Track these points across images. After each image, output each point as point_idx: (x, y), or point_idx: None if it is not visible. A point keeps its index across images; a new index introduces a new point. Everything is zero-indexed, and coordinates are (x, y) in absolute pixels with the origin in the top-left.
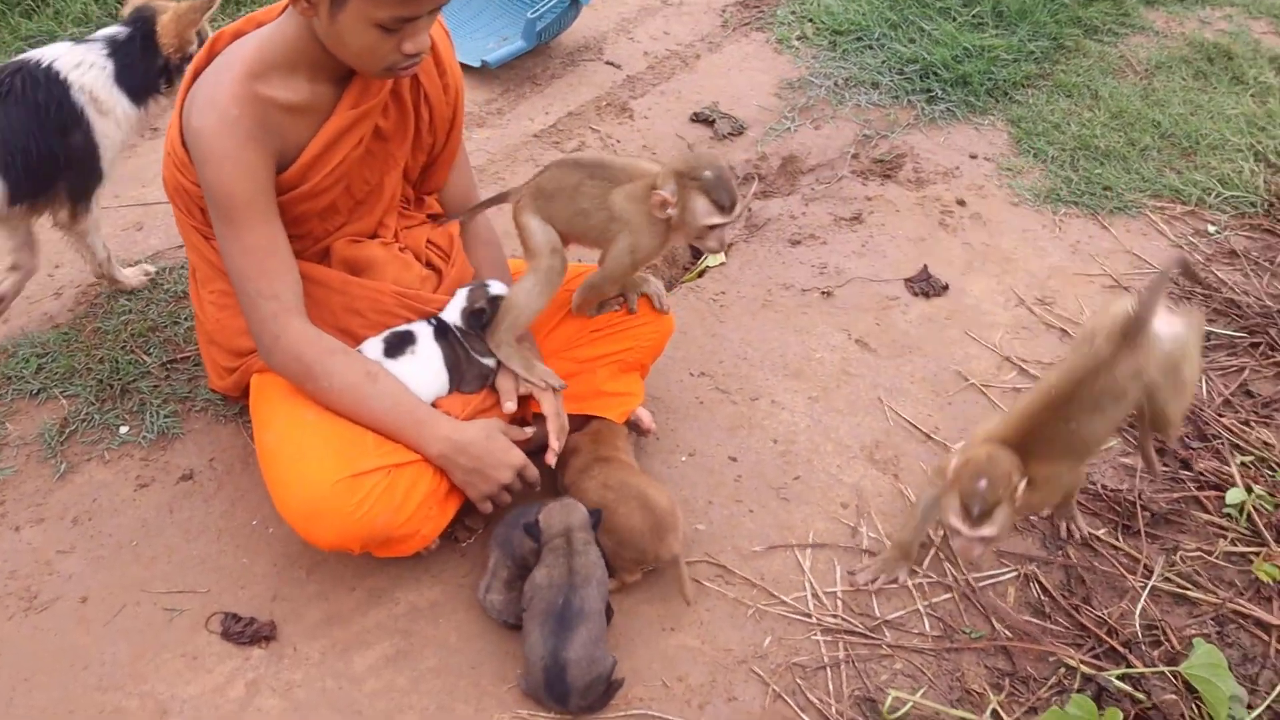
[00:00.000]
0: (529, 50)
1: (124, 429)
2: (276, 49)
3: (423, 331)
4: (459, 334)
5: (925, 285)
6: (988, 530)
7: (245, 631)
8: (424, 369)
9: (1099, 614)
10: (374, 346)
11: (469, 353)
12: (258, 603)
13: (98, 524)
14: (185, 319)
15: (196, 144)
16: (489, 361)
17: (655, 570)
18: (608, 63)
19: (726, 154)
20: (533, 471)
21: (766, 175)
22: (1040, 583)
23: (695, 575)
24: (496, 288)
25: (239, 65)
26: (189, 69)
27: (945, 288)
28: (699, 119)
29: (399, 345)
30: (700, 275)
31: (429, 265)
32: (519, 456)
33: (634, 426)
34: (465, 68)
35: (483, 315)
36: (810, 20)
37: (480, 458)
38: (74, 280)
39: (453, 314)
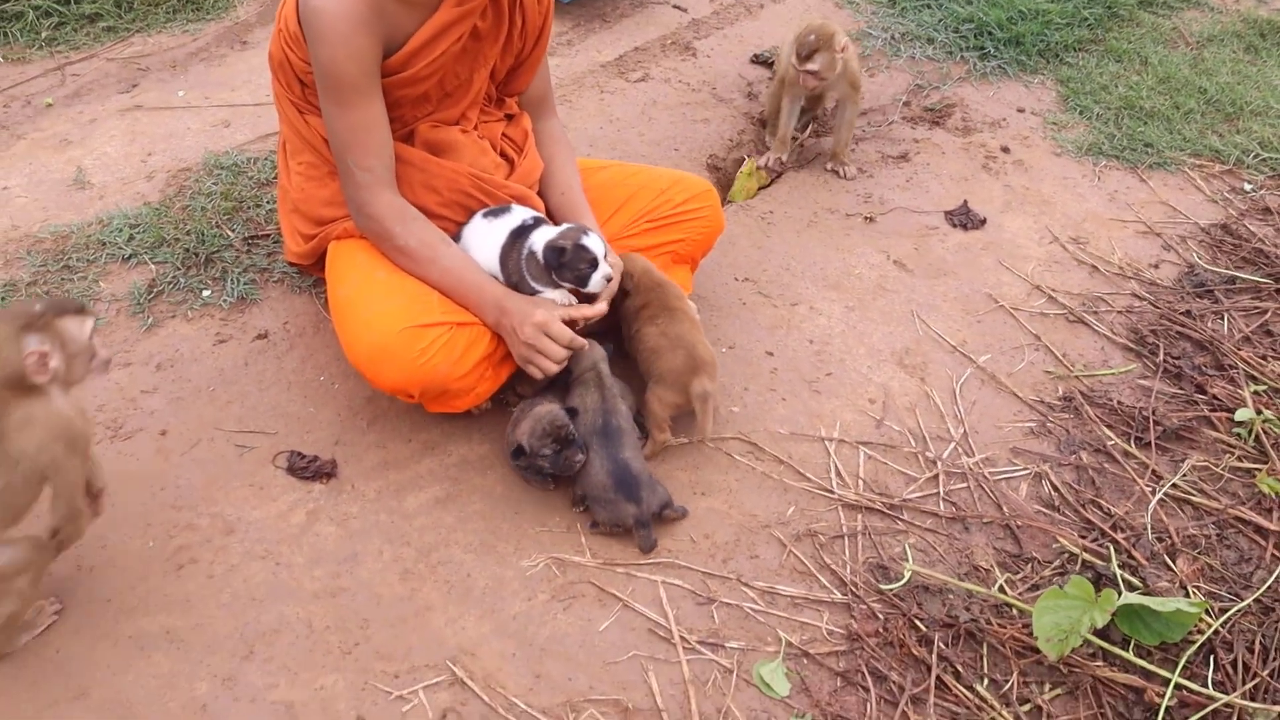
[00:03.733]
0: None
1: (206, 292)
2: None
3: (513, 219)
4: (529, 250)
5: (964, 218)
6: (812, 66)
7: (309, 467)
8: (485, 241)
9: (1105, 511)
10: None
11: (522, 270)
12: (321, 446)
13: (179, 370)
14: (268, 202)
15: (313, 22)
16: (538, 288)
17: (688, 441)
18: (675, 6)
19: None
20: (559, 329)
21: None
22: (1051, 480)
23: (727, 450)
24: (593, 241)
25: None
26: None
27: (983, 222)
28: (758, 60)
29: (495, 213)
30: (753, 196)
31: (502, 155)
32: (543, 314)
33: None
34: None
35: (562, 254)
36: None
37: (512, 315)
38: (165, 165)
39: (539, 238)
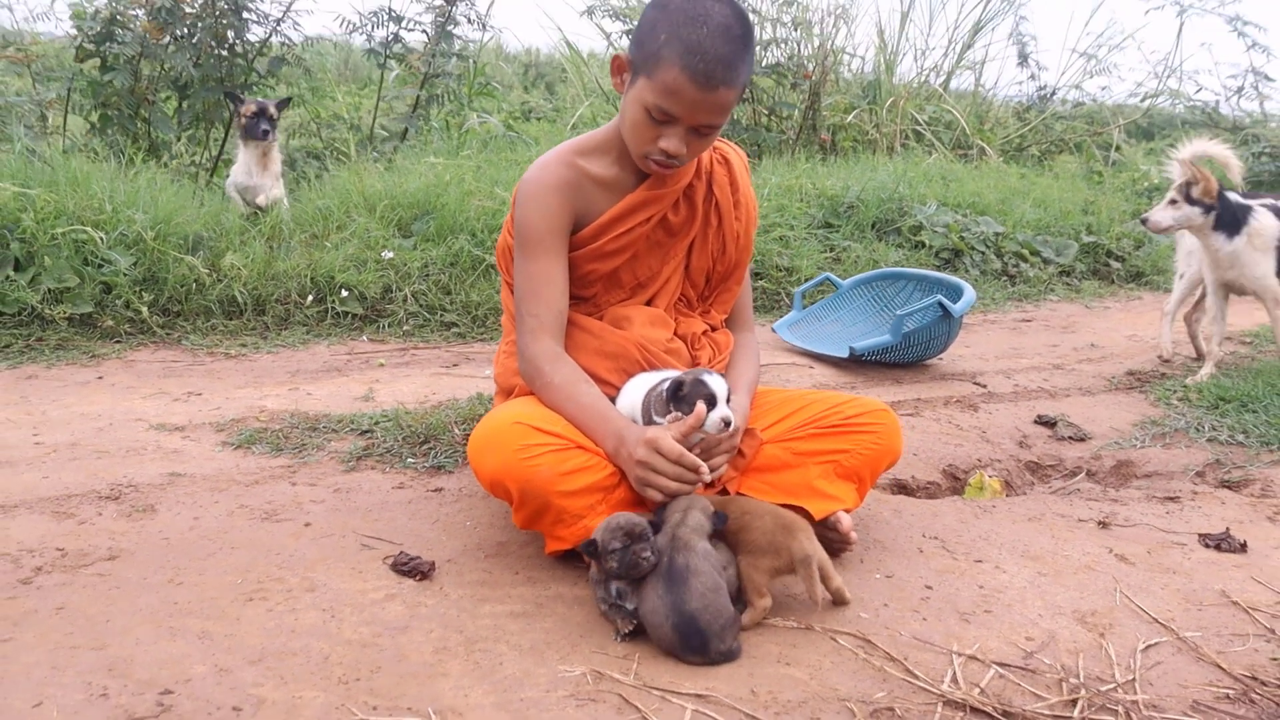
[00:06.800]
0: (897, 349)
1: (410, 459)
2: (599, 136)
3: (671, 373)
4: (660, 390)
5: (1222, 540)
6: None
7: (409, 564)
8: (639, 386)
9: None
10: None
11: (649, 408)
12: (431, 558)
13: (350, 497)
14: None
15: (521, 189)
16: (657, 420)
17: (797, 626)
18: (975, 383)
19: (1059, 452)
20: (669, 445)
21: (1096, 473)
22: None
23: (835, 636)
24: (715, 380)
25: (569, 144)
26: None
27: (1243, 546)
28: (1042, 421)
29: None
30: (980, 493)
31: (693, 347)
32: (654, 431)
33: (832, 528)
34: (833, 359)
35: (680, 386)
36: (1199, 391)
37: (628, 442)
38: (439, 399)
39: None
